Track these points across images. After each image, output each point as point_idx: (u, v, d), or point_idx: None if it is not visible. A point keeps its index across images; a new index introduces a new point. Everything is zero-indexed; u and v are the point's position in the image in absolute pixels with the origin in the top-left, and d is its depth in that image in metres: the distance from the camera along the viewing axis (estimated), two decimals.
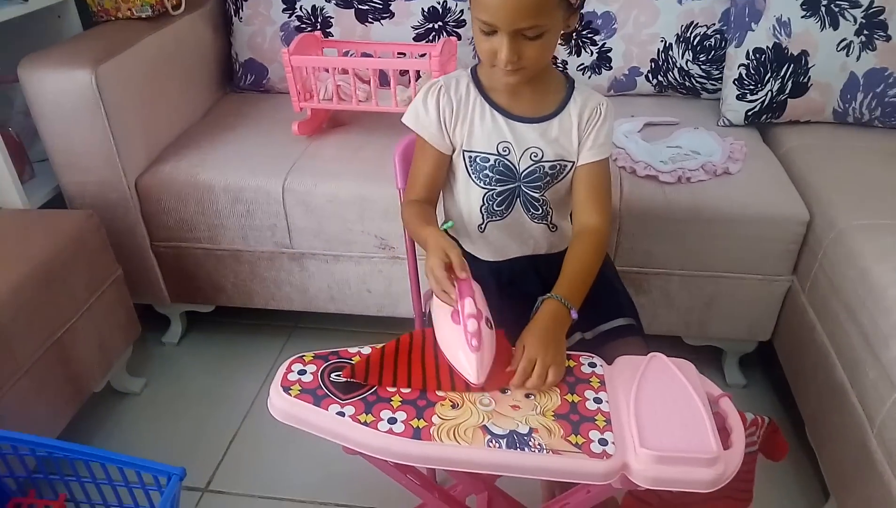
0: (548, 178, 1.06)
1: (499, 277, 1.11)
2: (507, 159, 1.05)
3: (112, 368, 1.50)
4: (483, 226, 1.10)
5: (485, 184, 1.06)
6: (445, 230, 0.98)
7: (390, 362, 0.89)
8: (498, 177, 1.05)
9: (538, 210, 1.09)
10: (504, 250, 1.13)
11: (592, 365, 0.92)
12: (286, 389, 0.84)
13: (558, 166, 1.05)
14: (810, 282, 1.38)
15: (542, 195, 1.07)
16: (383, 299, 1.62)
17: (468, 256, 1.14)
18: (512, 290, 1.10)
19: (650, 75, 1.82)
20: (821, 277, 1.34)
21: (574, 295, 0.97)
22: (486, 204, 1.08)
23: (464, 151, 1.06)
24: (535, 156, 1.04)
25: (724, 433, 0.84)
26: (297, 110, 1.62)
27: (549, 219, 1.10)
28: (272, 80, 1.89)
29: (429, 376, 0.87)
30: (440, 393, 0.85)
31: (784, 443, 0.99)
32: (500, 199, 1.08)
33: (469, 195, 1.09)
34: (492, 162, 1.05)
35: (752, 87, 1.67)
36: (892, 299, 1.12)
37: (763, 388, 1.63)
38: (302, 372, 0.87)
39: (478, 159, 1.05)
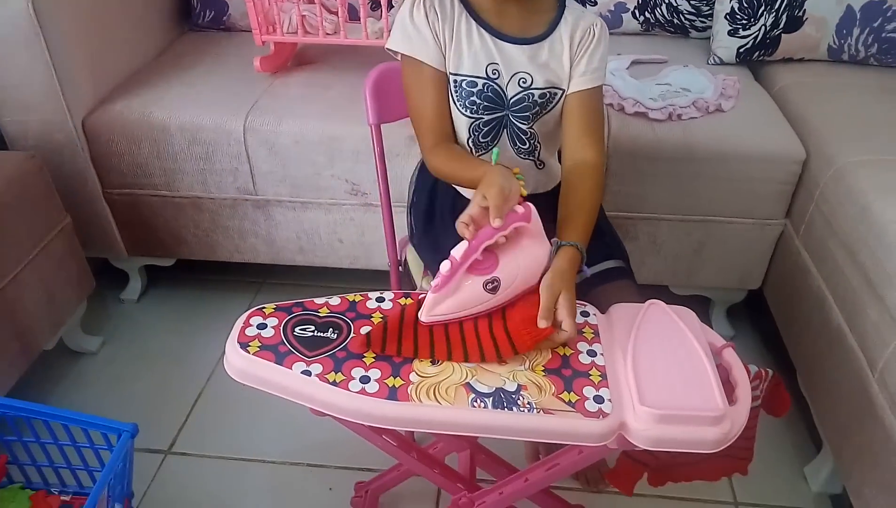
0: (537, 107, 0.95)
1: None
2: (495, 84, 0.93)
3: (64, 324, 1.39)
4: None
5: (471, 113, 0.95)
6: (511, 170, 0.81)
7: (409, 330, 0.77)
8: (486, 104, 0.94)
9: (525, 144, 0.98)
10: None
11: (585, 314, 0.83)
12: (244, 345, 0.74)
13: (548, 95, 0.94)
14: (805, 224, 1.30)
15: (531, 127, 0.97)
16: (356, 250, 1.51)
17: (453, 192, 1.04)
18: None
19: (637, 12, 1.70)
20: (817, 218, 1.26)
21: (586, 240, 0.87)
22: (473, 136, 0.97)
23: (450, 73, 0.94)
24: (523, 82, 0.93)
25: (727, 386, 0.76)
26: (259, 44, 1.48)
27: (537, 154, 1.00)
28: (233, 16, 1.73)
29: (454, 343, 0.75)
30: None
31: (786, 397, 0.91)
32: (486, 130, 0.97)
33: (458, 125, 0.97)
34: (479, 87, 0.93)
35: (744, 21, 1.56)
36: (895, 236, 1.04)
37: (751, 339, 1.57)
38: (262, 326, 0.77)
39: (464, 84, 0.94)
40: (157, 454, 1.28)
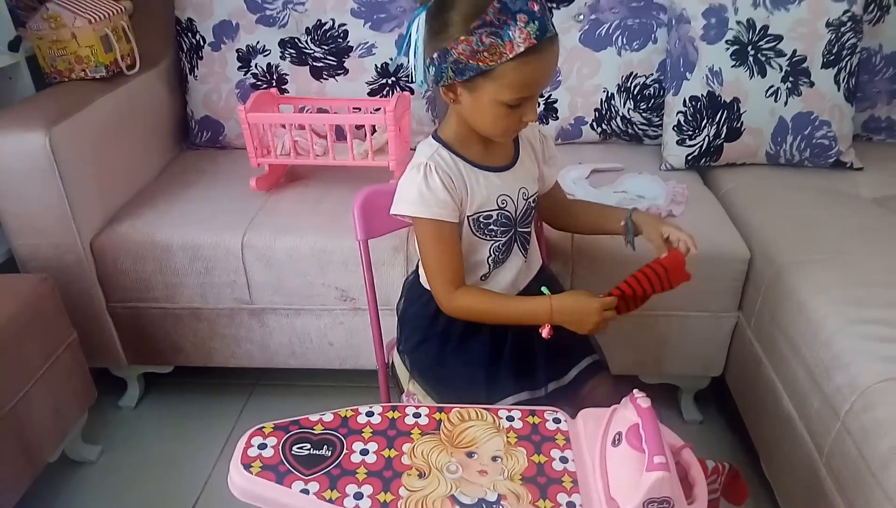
0: (532, 210, 1.09)
1: None
2: (505, 210, 1.05)
3: (67, 436, 1.41)
4: (487, 275, 1.09)
5: (491, 237, 1.06)
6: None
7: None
8: (501, 229, 1.06)
9: (528, 245, 1.11)
10: (507, 291, 1.12)
11: (557, 421, 0.89)
12: (247, 466, 0.79)
13: (536, 196, 1.10)
14: (755, 317, 1.39)
15: (529, 228, 1.11)
16: (345, 352, 1.57)
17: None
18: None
19: (594, 124, 1.84)
20: (764, 312, 1.35)
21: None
22: (493, 254, 1.08)
23: (468, 216, 1.03)
24: (525, 195, 1.07)
25: (685, 484, 0.82)
26: (255, 166, 1.58)
27: (528, 248, 1.12)
28: (228, 136, 1.85)
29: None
30: (406, 461, 0.81)
31: (744, 487, 0.97)
32: (503, 248, 1.08)
33: (475, 253, 1.07)
34: (494, 216, 1.04)
35: (690, 132, 1.70)
36: (830, 332, 1.13)
37: (719, 423, 1.62)
38: (262, 446, 0.82)
39: (481, 218, 1.04)
40: None
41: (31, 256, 1.45)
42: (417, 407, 0.89)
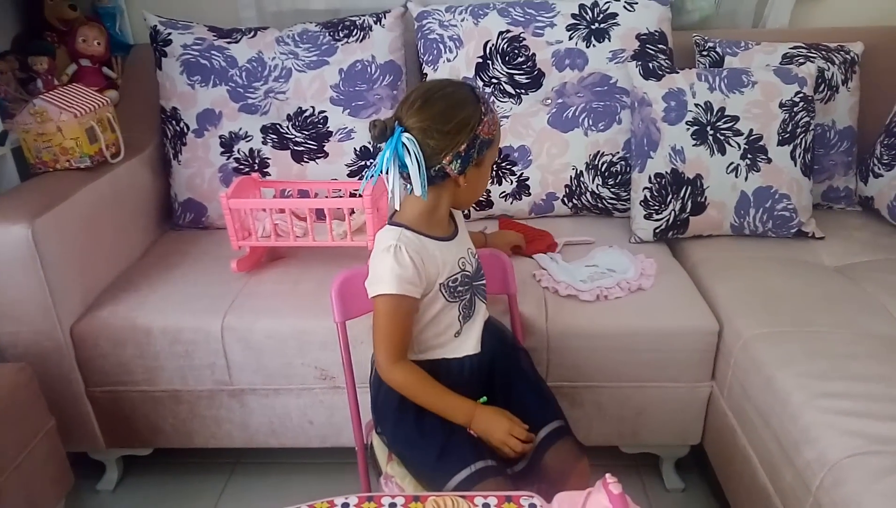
0: (479, 264, 1.20)
1: (481, 363, 1.18)
2: (465, 270, 1.14)
3: None
4: (459, 331, 1.15)
5: (459, 297, 1.14)
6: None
7: None
8: (463, 287, 1.14)
9: (485, 291, 1.20)
10: (478, 340, 1.18)
11: (532, 506, 0.89)
12: None
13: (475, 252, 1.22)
14: (727, 388, 1.41)
15: (483, 279, 1.19)
16: (326, 430, 1.56)
17: (453, 361, 1.16)
18: (490, 369, 1.19)
19: (565, 199, 1.89)
20: (735, 383, 1.37)
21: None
22: (462, 313, 1.15)
23: (440, 284, 1.11)
24: (471, 253, 1.18)
25: None
26: (236, 249, 1.60)
27: (485, 294, 1.21)
28: (211, 217, 1.87)
29: None
30: None
31: None
32: (468, 304, 1.16)
33: (448, 315, 1.14)
34: (459, 279, 1.13)
35: (656, 207, 1.75)
36: (797, 405, 1.15)
37: (701, 490, 1.62)
38: None
39: (449, 283, 1.12)
40: None
41: (10, 344, 1.43)
42: (393, 497, 0.89)
